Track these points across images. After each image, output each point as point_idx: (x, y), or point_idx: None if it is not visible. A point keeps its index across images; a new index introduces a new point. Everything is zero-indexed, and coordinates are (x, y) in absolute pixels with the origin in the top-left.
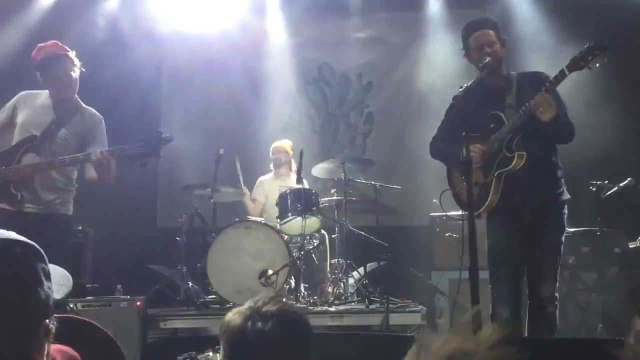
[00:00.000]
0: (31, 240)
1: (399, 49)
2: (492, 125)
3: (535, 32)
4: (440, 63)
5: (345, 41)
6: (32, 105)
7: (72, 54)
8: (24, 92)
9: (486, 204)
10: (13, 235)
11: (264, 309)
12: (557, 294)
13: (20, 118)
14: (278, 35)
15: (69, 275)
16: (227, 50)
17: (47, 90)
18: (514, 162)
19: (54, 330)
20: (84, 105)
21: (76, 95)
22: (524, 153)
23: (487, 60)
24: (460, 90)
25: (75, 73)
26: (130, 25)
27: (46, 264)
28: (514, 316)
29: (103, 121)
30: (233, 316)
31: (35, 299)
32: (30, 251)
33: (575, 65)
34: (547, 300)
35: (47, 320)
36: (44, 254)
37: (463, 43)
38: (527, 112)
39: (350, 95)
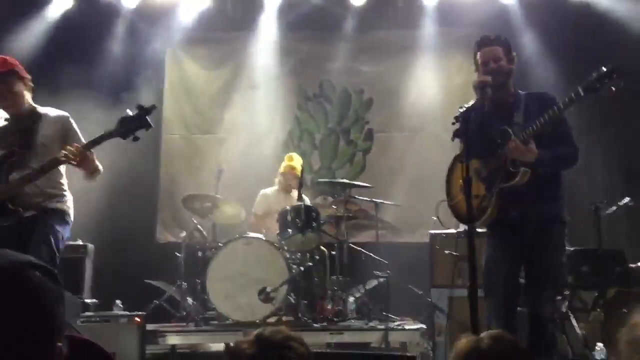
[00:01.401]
0: (28, 231)
1: (400, 66)
2: (499, 140)
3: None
4: (442, 80)
5: (346, 57)
6: None
7: (18, 69)
8: None
9: (484, 217)
10: (31, 259)
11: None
12: (556, 314)
13: None
14: (278, 50)
15: (77, 300)
16: (228, 64)
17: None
18: (518, 177)
19: (64, 352)
20: (43, 109)
21: (30, 103)
22: (529, 170)
23: (480, 82)
24: (461, 110)
25: (21, 88)
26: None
27: (62, 287)
28: (508, 331)
29: (70, 117)
30: (242, 345)
31: (52, 322)
32: (49, 275)
33: (590, 87)
34: (546, 319)
35: (60, 344)
36: (59, 277)
37: (473, 58)
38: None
39: (351, 111)
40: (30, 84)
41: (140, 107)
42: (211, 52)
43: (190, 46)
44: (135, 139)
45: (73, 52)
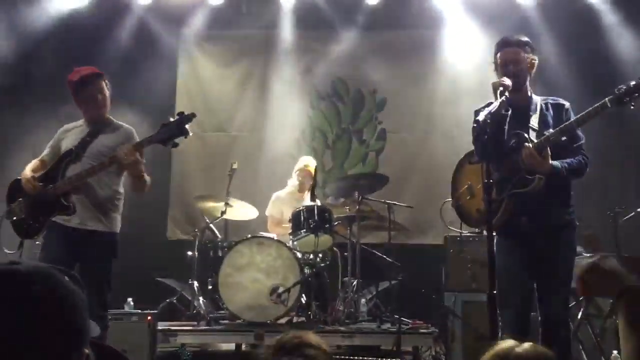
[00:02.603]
0: (82, 255)
1: (414, 66)
2: (513, 144)
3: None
4: (456, 81)
5: (359, 57)
6: (71, 132)
7: (105, 77)
8: (64, 126)
9: (494, 222)
10: (61, 267)
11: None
12: (569, 319)
13: (63, 147)
14: (292, 49)
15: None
16: (242, 61)
17: (82, 119)
18: (534, 184)
19: (92, 358)
20: (116, 121)
21: (108, 115)
22: (544, 177)
23: (499, 84)
24: (481, 113)
25: (108, 93)
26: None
27: (86, 294)
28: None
29: (135, 132)
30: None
31: (80, 328)
32: (75, 281)
33: (619, 99)
34: (559, 325)
35: (87, 351)
36: (82, 283)
37: (494, 58)
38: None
39: (364, 111)
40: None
41: (181, 114)
42: (225, 49)
43: (204, 44)
44: (175, 145)
45: (84, 51)
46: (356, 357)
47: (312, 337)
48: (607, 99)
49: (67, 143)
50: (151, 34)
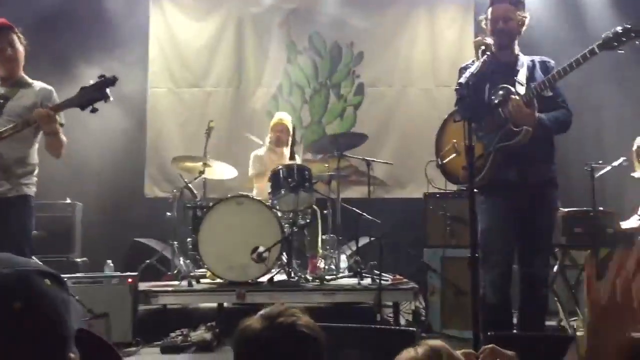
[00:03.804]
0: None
1: (392, 19)
2: (500, 98)
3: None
4: (434, 34)
5: (336, 10)
6: None
7: (17, 30)
8: None
9: (480, 176)
10: (39, 266)
11: (278, 320)
12: (548, 277)
13: None
14: (268, 2)
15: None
16: (216, 15)
17: None
18: (521, 136)
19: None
20: (31, 80)
21: (22, 72)
22: (531, 129)
23: (481, 43)
24: (464, 78)
25: (20, 48)
26: None
27: (69, 294)
28: (504, 301)
29: (54, 92)
30: (249, 322)
31: (62, 332)
32: (56, 282)
33: (607, 44)
34: (540, 283)
35: (72, 355)
36: (65, 283)
37: (485, 11)
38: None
39: (341, 65)
40: (26, 48)
41: (101, 77)
42: (198, 2)
43: None
44: (94, 110)
45: (50, 11)
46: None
47: (305, 319)
48: (594, 44)
49: None
50: None
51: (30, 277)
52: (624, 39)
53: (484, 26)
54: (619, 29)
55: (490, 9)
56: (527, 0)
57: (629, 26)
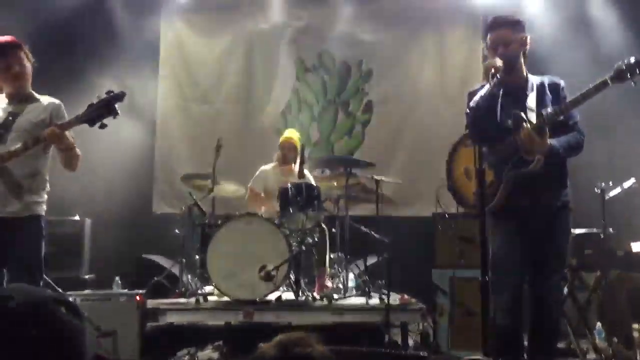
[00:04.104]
0: (9, 243)
1: (400, 37)
2: (510, 125)
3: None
4: (442, 53)
5: (345, 27)
6: None
7: (25, 47)
8: None
9: (492, 204)
10: (57, 294)
11: (294, 350)
12: (560, 302)
13: None
14: (278, 20)
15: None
16: (226, 32)
17: (1, 95)
18: (533, 165)
19: None
20: (39, 95)
21: (30, 89)
22: (543, 158)
23: (490, 66)
24: (474, 102)
25: (28, 65)
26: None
27: (85, 321)
28: (514, 325)
29: (62, 106)
30: (264, 349)
31: (80, 358)
32: (72, 310)
33: (619, 76)
34: (551, 308)
35: None
36: (81, 311)
37: (485, 38)
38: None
39: (350, 82)
40: (33, 65)
41: (109, 93)
42: (209, 20)
43: (187, 14)
44: (102, 126)
45: (62, 23)
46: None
47: (320, 349)
48: (607, 76)
49: None
50: (132, 4)
51: (47, 306)
52: (637, 71)
53: (486, 53)
54: (632, 59)
55: (489, 35)
56: (538, 19)
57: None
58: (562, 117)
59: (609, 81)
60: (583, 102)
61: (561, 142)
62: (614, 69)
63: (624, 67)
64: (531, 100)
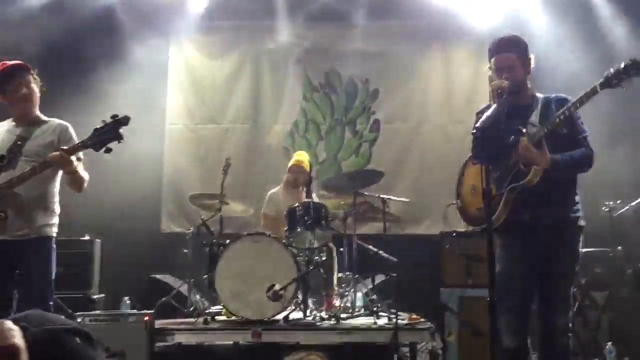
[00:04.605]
0: (16, 264)
1: (407, 57)
2: (511, 139)
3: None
4: (448, 72)
5: (352, 47)
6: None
7: (33, 71)
8: None
9: (493, 218)
10: (74, 324)
11: None
12: (570, 325)
13: None
14: (284, 40)
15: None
16: (233, 53)
17: (9, 119)
18: (529, 176)
19: None
20: (46, 117)
21: (38, 112)
22: (540, 168)
23: (497, 87)
24: (481, 122)
25: (35, 88)
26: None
27: (100, 351)
28: (521, 347)
29: (70, 127)
30: None
31: None
32: (88, 340)
33: (608, 82)
34: (560, 332)
35: None
36: (96, 341)
37: (489, 61)
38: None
39: (357, 101)
40: (42, 89)
41: (114, 117)
42: (216, 41)
43: (195, 35)
44: (108, 150)
45: (72, 45)
46: None
47: None
48: (596, 83)
49: None
50: (141, 25)
51: (61, 336)
52: (625, 76)
53: (491, 75)
54: (621, 65)
55: (493, 60)
56: (546, 30)
57: (630, 62)
58: (564, 130)
59: (598, 88)
60: (575, 110)
61: (565, 156)
62: (603, 76)
63: (612, 73)
64: (534, 116)
